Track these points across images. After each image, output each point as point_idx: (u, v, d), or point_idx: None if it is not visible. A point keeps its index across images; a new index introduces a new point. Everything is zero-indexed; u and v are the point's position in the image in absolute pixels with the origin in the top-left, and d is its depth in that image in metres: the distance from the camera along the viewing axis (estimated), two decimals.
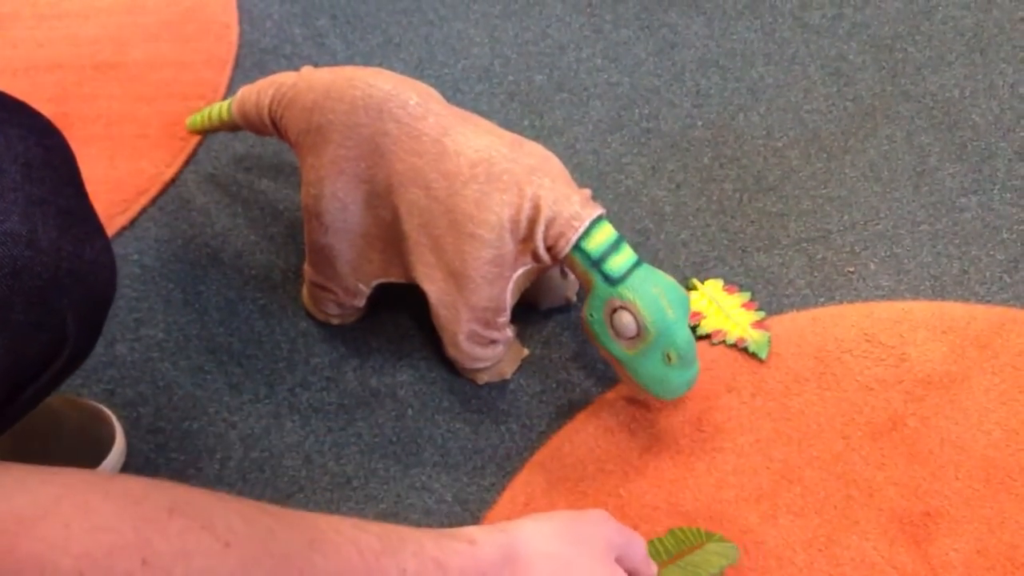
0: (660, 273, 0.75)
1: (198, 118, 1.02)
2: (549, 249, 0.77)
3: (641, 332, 0.74)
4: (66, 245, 0.57)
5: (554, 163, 0.79)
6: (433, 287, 0.80)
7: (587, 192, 0.77)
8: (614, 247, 0.75)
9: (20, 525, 0.40)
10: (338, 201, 0.80)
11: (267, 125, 0.87)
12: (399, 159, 0.77)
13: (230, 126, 0.96)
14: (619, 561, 0.64)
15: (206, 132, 1.04)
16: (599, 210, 0.76)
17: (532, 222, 0.76)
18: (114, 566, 0.41)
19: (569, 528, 0.63)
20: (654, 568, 0.67)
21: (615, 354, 0.77)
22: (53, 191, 0.58)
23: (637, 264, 0.75)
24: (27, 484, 0.41)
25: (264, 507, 0.49)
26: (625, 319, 0.74)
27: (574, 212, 0.75)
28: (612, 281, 0.74)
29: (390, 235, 0.81)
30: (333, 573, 0.49)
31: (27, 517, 0.40)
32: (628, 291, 0.74)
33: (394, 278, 0.84)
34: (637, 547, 0.66)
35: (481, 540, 0.58)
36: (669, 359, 0.74)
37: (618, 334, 0.75)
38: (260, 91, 0.86)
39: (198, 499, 0.46)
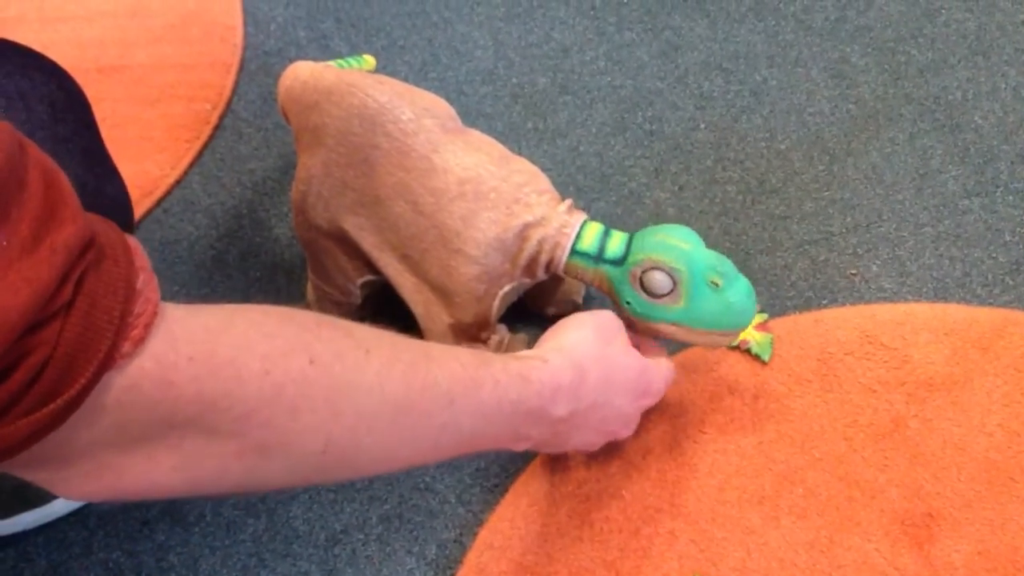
0: (653, 226, 0.75)
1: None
2: (548, 264, 0.77)
3: (675, 277, 0.72)
4: (90, 181, 0.61)
5: (542, 179, 0.79)
6: (419, 297, 0.80)
7: (569, 201, 0.78)
8: (606, 235, 0.75)
9: (210, 334, 0.45)
10: (323, 201, 0.81)
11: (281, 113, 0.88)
12: (388, 172, 0.77)
13: None
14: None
15: None
16: (584, 215, 0.77)
17: (522, 239, 0.76)
18: (290, 364, 0.47)
19: (601, 329, 0.71)
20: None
21: (673, 318, 0.73)
22: (75, 132, 0.63)
23: (632, 236, 0.75)
24: (201, 310, 0.46)
25: (381, 329, 0.55)
26: (654, 278, 0.72)
27: (563, 220, 0.76)
28: (619, 261, 0.74)
29: (375, 243, 0.81)
30: (446, 379, 0.56)
31: (213, 329, 0.45)
32: (637, 254, 0.73)
33: (380, 275, 0.84)
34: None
35: (551, 358, 0.66)
36: (716, 284, 0.71)
37: (659, 297, 0.73)
38: (285, 76, 0.86)
39: (333, 319, 0.53)
